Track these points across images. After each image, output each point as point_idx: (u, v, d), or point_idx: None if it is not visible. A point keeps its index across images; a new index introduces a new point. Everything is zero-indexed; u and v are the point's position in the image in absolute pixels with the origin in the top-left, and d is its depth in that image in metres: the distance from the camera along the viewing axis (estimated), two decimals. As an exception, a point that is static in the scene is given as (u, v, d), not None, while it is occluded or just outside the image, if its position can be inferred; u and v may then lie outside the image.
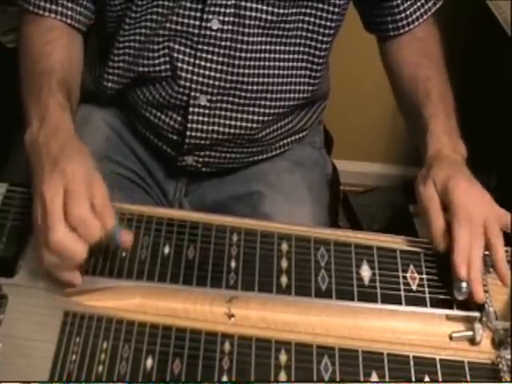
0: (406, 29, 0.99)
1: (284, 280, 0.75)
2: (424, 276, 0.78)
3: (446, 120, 0.90)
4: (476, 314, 0.75)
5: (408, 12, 0.98)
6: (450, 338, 0.74)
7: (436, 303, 0.76)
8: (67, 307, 0.71)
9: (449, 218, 0.78)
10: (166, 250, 0.76)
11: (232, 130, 0.97)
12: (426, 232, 0.79)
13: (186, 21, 0.90)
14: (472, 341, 0.74)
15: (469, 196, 0.79)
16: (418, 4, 0.98)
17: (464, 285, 0.75)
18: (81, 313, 0.70)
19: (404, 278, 0.77)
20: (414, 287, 0.77)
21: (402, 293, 0.76)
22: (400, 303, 0.75)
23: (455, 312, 0.75)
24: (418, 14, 0.98)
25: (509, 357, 0.72)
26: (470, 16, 1.64)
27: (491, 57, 1.64)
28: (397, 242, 0.80)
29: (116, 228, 0.70)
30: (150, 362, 0.68)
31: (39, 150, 0.75)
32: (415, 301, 0.76)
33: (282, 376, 0.69)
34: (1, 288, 0.71)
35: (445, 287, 0.77)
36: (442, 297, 0.76)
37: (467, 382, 0.70)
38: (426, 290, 0.76)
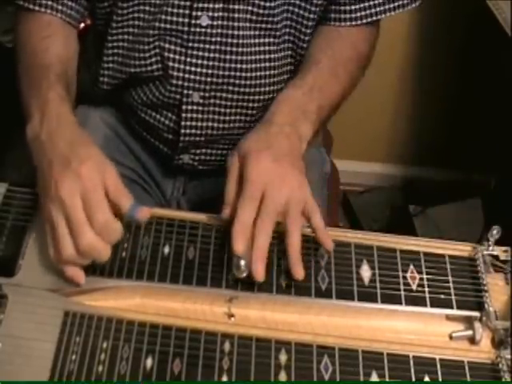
0: (342, 24, 0.94)
1: (284, 280, 0.75)
2: (424, 276, 0.77)
3: (303, 97, 0.86)
4: (476, 313, 0.75)
5: (353, 7, 0.94)
6: (450, 337, 0.74)
7: (436, 303, 0.75)
8: (67, 307, 0.71)
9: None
10: (166, 250, 0.76)
11: (226, 125, 0.97)
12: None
13: (174, 19, 0.90)
14: (472, 341, 0.74)
15: (265, 173, 0.76)
16: (366, 4, 0.94)
17: (242, 262, 0.72)
18: (81, 313, 0.70)
19: (404, 277, 0.77)
20: (413, 287, 0.76)
21: (402, 293, 0.76)
22: (400, 303, 0.75)
23: (455, 312, 0.75)
24: (360, 14, 0.94)
25: (509, 357, 0.72)
26: (471, 16, 1.64)
27: (491, 57, 1.64)
28: (397, 242, 0.80)
29: (133, 206, 0.73)
30: (149, 361, 0.68)
31: (43, 146, 0.75)
32: (415, 301, 0.75)
33: (282, 376, 0.69)
34: (1, 288, 0.71)
35: (445, 287, 0.76)
36: (442, 297, 0.76)
37: (467, 381, 0.70)
38: (426, 289, 0.76)
